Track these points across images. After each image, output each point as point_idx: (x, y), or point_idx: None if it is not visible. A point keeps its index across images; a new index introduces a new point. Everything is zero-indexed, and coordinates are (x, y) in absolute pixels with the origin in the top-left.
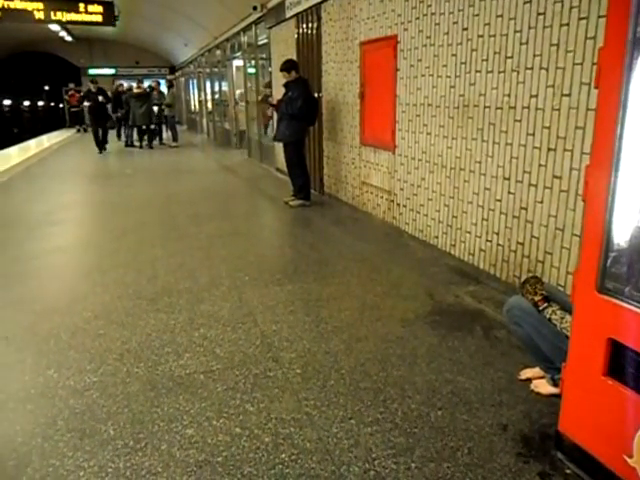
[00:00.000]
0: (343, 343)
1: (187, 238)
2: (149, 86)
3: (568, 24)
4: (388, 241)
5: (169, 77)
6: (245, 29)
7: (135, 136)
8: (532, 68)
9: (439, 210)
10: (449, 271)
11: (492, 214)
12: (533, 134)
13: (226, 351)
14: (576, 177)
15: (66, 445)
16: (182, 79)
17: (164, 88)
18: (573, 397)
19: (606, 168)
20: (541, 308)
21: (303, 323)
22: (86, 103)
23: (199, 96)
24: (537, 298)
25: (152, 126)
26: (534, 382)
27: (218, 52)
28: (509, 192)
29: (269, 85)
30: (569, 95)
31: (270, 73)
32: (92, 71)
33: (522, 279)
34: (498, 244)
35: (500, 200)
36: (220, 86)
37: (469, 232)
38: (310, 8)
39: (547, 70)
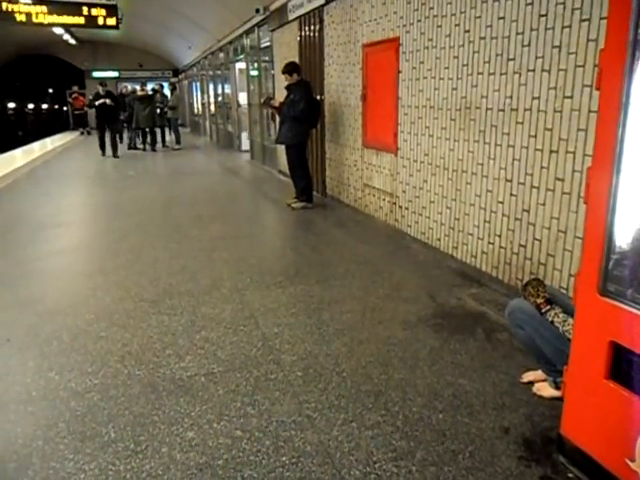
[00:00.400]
0: (344, 346)
1: (189, 240)
2: (152, 89)
3: (570, 26)
4: (390, 243)
5: (172, 80)
6: (248, 32)
7: (138, 139)
8: (534, 70)
9: (441, 212)
10: (451, 273)
11: (494, 216)
12: (535, 136)
13: (227, 354)
14: (578, 179)
15: (67, 447)
16: (185, 82)
17: (167, 91)
18: (575, 400)
19: (607, 170)
20: (543, 311)
21: (304, 325)
22: (97, 102)
23: (202, 99)
24: (539, 301)
25: (155, 129)
26: (536, 385)
27: (221, 55)
28: (511, 194)
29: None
30: (571, 97)
31: (273, 76)
32: (96, 74)
33: (524, 281)
34: (500, 246)
35: (502, 202)
36: (223, 89)
37: (471, 234)
38: (312, 11)
39: (549, 72)
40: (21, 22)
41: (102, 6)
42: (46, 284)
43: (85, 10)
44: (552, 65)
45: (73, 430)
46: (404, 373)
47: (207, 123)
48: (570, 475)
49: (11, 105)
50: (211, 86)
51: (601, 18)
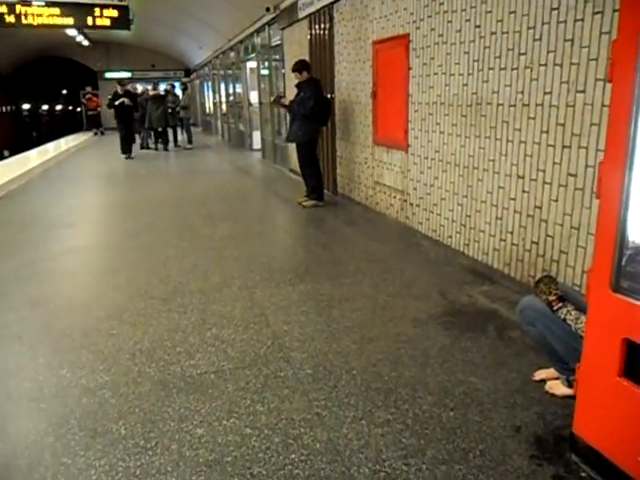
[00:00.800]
0: (355, 343)
1: (200, 239)
2: (165, 89)
3: (582, 19)
4: (401, 241)
5: (184, 80)
6: (258, 31)
7: (150, 139)
8: (546, 64)
9: (452, 209)
10: (462, 271)
11: (506, 213)
12: (547, 131)
13: (237, 351)
14: (591, 175)
15: (78, 444)
16: (197, 81)
17: (179, 91)
18: (588, 398)
19: (620, 164)
20: (555, 308)
21: (315, 323)
22: (116, 102)
23: (214, 98)
24: (551, 298)
25: (167, 129)
26: (548, 383)
27: (232, 54)
28: (523, 190)
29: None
30: (584, 91)
31: (283, 75)
32: (109, 75)
33: (536, 279)
34: (512, 243)
35: (514, 199)
36: (234, 88)
37: (483, 231)
38: (323, 8)
39: (561, 66)
40: (33, 25)
41: (114, 7)
42: (58, 282)
43: (97, 11)
44: (564, 59)
45: (84, 427)
46: (414, 371)
47: (219, 122)
48: (583, 474)
49: (26, 106)
50: (222, 85)
51: (614, 10)
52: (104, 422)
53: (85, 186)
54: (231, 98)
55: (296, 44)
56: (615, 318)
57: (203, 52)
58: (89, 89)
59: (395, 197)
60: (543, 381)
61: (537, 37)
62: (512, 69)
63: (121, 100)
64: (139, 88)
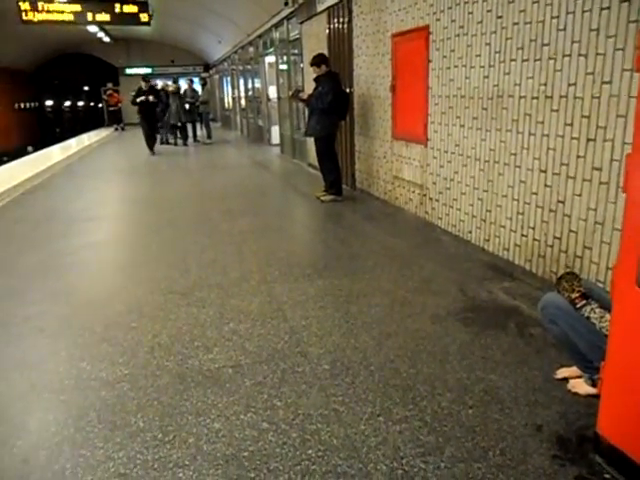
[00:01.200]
0: (373, 339)
1: (219, 233)
2: (177, 86)
3: (609, 7)
4: (420, 236)
5: (203, 75)
6: (277, 25)
7: (170, 134)
8: (570, 55)
9: (473, 204)
10: (483, 266)
11: (528, 208)
12: (571, 124)
13: (255, 346)
14: (617, 168)
15: (97, 436)
16: (216, 76)
17: (198, 86)
18: (612, 398)
19: None
20: (578, 306)
21: (332, 319)
22: (138, 100)
23: (233, 93)
24: (574, 295)
25: (186, 124)
26: (571, 382)
27: (251, 49)
28: (546, 185)
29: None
30: (610, 82)
31: (302, 69)
32: (129, 71)
33: (559, 275)
34: (534, 239)
35: (536, 193)
36: (253, 83)
37: (504, 226)
38: (341, 1)
39: (586, 57)
40: (58, 22)
41: (134, 3)
42: (79, 276)
43: (117, 7)
44: (589, 49)
45: (103, 419)
46: (433, 367)
47: (238, 117)
48: (607, 476)
49: (49, 103)
50: (241, 80)
51: None
52: (123, 415)
53: (106, 180)
54: (250, 93)
55: (314, 38)
56: None
57: (222, 47)
58: (110, 85)
59: (414, 192)
60: (565, 379)
61: (561, 27)
62: (535, 60)
63: (143, 98)
64: (159, 84)
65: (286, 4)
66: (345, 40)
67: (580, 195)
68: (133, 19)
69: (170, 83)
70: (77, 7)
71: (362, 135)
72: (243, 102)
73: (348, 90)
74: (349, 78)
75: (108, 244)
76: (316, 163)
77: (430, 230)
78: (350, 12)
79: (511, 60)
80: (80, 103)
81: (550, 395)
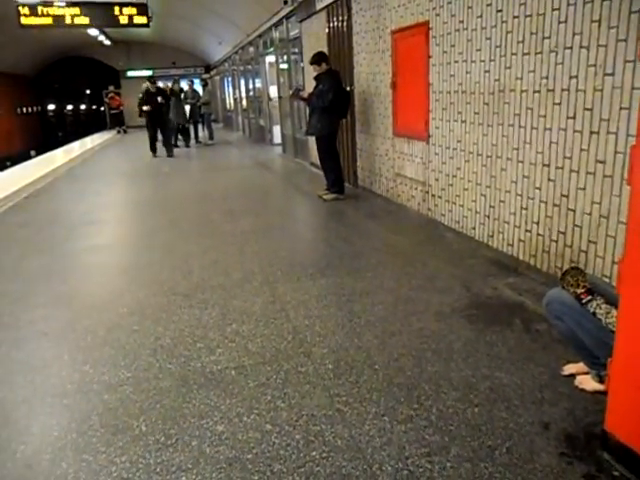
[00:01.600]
0: (376, 338)
1: (221, 234)
2: (171, 88)
3: None
4: (423, 233)
5: (204, 76)
6: (276, 24)
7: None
8: (571, 47)
9: (475, 200)
10: (487, 263)
11: (531, 203)
12: (574, 117)
13: (258, 346)
14: (621, 161)
15: (99, 440)
16: (217, 77)
17: (199, 87)
18: (620, 394)
19: None
20: (584, 301)
21: (336, 318)
22: (145, 108)
23: (234, 94)
24: (579, 291)
25: (187, 125)
26: (578, 378)
27: (251, 49)
28: (549, 179)
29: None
30: (612, 74)
31: (302, 68)
32: (130, 73)
33: (563, 270)
34: (538, 234)
35: (539, 188)
36: (254, 83)
37: (507, 222)
38: None
39: (588, 49)
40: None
41: (133, 5)
42: (82, 279)
43: (117, 10)
44: (591, 41)
45: (106, 423)
46: (438, 366)
47: (239, 118)
48: (616, 473)
49: (51, 107)
50: (242, 81)
51: None
52: (125, 418)
53: (108, 183)
54: (251, 93)
55: (314, 36)
56: None
57: (223, 48)
58: (112, 88)
59: (417, 189)
60: (572, 376)
61: (562, 19)
62: (536, 53)
63: (148, 107)
64: (160, 85)
65: (285, 3)
66: (345, 38)
67: (584, 189)
68: (132, 21)
69: (170, 85)
70: (76, 10)
71: (363, 133)
72: (244, 102)
73: (349, 88)
74: (349, 76)
75: (110, 247)
76: (318, 162)
77: (433, 227)
78: (349, 9)
79: (512, 54)
80: (82, 106)
81: (557, 392)
